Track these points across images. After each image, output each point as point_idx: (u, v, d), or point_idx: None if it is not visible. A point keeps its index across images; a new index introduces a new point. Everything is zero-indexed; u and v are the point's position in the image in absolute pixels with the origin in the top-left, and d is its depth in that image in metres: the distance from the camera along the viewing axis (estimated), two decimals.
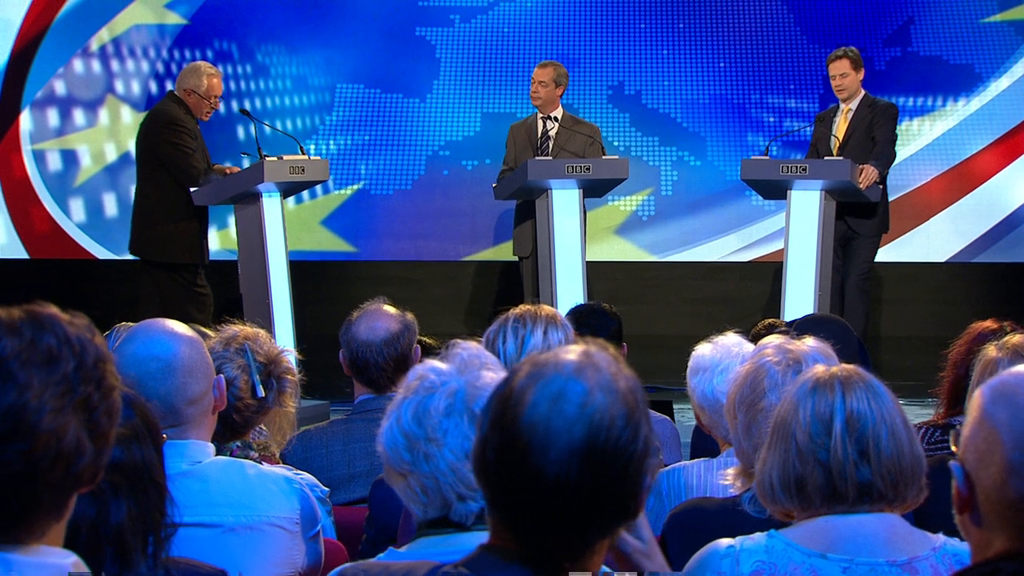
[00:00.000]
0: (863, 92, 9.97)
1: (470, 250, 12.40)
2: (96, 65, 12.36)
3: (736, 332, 4.00)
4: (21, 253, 12.32)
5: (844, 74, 9.89)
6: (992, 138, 11.99)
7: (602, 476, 2.04)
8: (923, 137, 11.98)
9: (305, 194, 11.76)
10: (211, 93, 9.67)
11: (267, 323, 8.71)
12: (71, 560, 2.03)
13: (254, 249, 9.22)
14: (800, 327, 4.46)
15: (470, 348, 2.79)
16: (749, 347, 3.92)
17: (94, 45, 12.34)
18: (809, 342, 3.36)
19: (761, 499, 2.85)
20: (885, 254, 10.45)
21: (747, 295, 12.18)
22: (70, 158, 12.37)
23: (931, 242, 12.07)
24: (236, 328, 4.04)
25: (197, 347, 3.30)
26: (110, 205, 12.33)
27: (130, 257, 12.01)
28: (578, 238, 9.72)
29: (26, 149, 12.32)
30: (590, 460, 2.03)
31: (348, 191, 12.36)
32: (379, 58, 12.39)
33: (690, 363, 3.98)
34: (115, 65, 12.35)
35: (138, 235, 9.82)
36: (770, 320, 5.70)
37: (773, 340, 3.39)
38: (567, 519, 2.06)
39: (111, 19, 12.32)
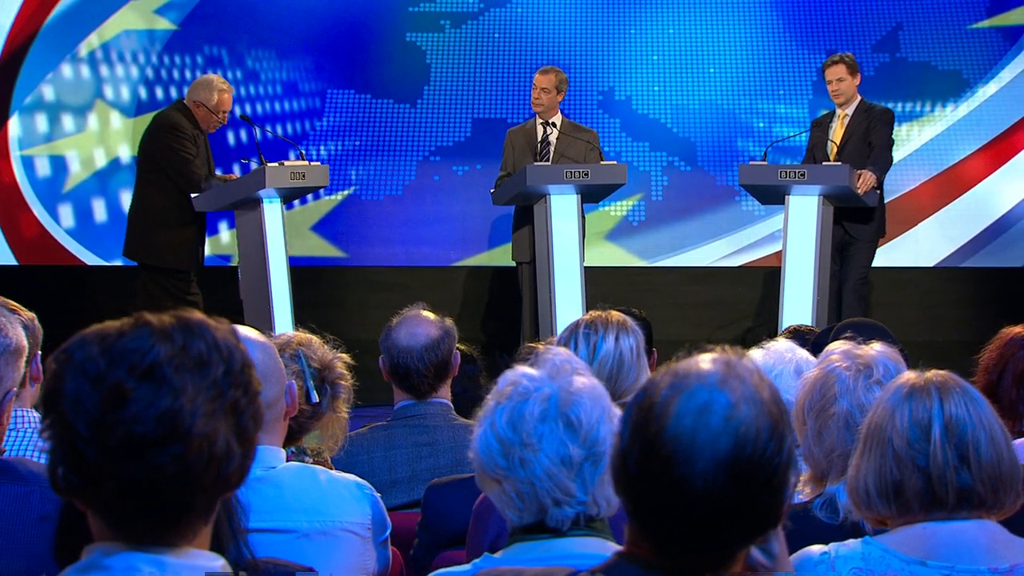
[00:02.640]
0: (859, 97, 10.01)
1: (461, 255, 12.40)
2: (85, 70, 12.31)
3: (787, 338, 4.01)
4: (10, 259, 12.27)
5: (840, 79, 9.92)
6: (980, 143, 12.07)
7: (748, 488, 2.05)
8: (912, 142, 12.05)
9: (295, 200, 11.75)
10: (220, 108, 9.68)
11: (268, 329, 8.68)
12: (219, 563, 2.05)
13: (255, 255, 9.21)
14: (840, 333, 4.47)
15: (560, 354, 2.81)
16: (802, 353, 3.94)
17: (83, 50, 12.29)
18: (876, 347, 3.38)
19: (854, 506, 2.86)
20: (874, 259, 10.50)
21: (738, 300, 12.23)
22: (59, 164, 12.32)
23: (920, 247, 12.13)
24: (289, 334, 4.05)
25: (270, 353, 3.30)
26: (99, 211, 12.28)
27: (119, 263, 11.98)
28: (576, 243, 9.73)
29: (15, 155, 12.26)
30: (736, 473, 2.04)
31: (339, 196, 12.35)
32: (369, 63, 12.38)
33: None
34: (104, 70, 12.30)
35: (133, 239, 9.75)
36: (795, 325, 5.71)
37: (839, 345, 3.40)
38: (711, 530, 2.07)
39: (100, 24, 12.27)
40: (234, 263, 11.95)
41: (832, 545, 2.83)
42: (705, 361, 2.15)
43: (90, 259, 12.27)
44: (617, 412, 2.77)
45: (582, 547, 2.72)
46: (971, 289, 12.12)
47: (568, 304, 9.65)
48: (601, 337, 3.72)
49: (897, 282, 12.02)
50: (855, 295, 9.92)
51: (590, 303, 9.67)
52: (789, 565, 2.35)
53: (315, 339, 4.05)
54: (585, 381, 2.75)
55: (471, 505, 3.93)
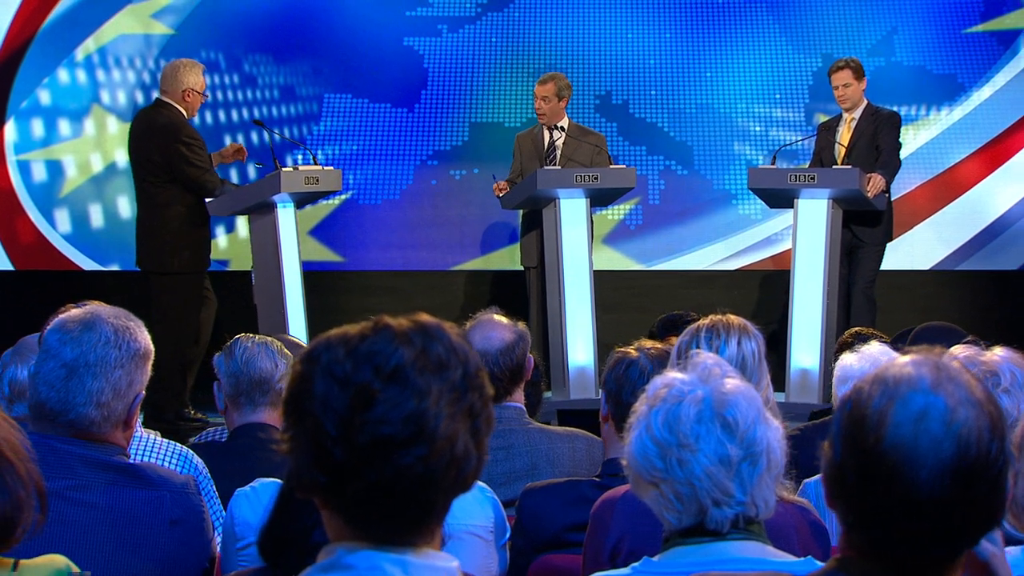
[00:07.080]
0: (866, 101, 10.05)
1: (458, 260, 12.40)
2: (82, 75, 12.25)
3: (880, 341, 4.03)
4: (6, 264, 12.18)
5: (847, 84, 9.96)
6: (975, 147, 12.15)
7: (972, 490, 2.05)
8: (907, 146, 12.07)
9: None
10: (203, 87, 9.46)
11: (282, 334, 8.61)
12: (455, 564, 2.08)
13: (269, 260, 9.16)
14: (920, 336, 4.49)
15: (711, 357, 2.83)
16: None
17: (80, 55, 12.23)
18: (999, 352, 3.38)
19: (1012, 516, 2.85)
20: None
21: (735, 303, 12.24)
22: (55, 169, 12.25)
23: (915, 250, 12.20)
24: None
25: None
26: (96, 216, 12.21)
27: (116, 268, 11.92)
28: (585, 247, 9.73)
29: (11, 159, 12.19)
30: (961, 476, 2.03)
31: (336, 201, 12.31)
32: (367, 68, 12.36)
33: (836, 373, 4.00)
34: (101, 75, 12.24)
35: (152, 248, 9.32)
36: (856, 329, 5.72)
37: (960, 351, 3.40)
38: (938, 534, 2.06)
39: (97, 29, 12.21)
40: (231, 268, 11.93)
41: None
42: (912, 365, 2.13)
43: (87, 264, 12.20)
44: (770, 414, 2.79)
45: (741, 551, 2.73)
46: (966, 292, 12.20)
47: (577, 308, 9.67)
48: (724, 341, 3.72)
49: (892, 285, 12.06)
50: (864, 298, 9.97)
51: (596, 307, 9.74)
52: (1006, 564, 2.36)
53: None
54: (737, 383, 2.77)
55: (566, 509, 3.93)
